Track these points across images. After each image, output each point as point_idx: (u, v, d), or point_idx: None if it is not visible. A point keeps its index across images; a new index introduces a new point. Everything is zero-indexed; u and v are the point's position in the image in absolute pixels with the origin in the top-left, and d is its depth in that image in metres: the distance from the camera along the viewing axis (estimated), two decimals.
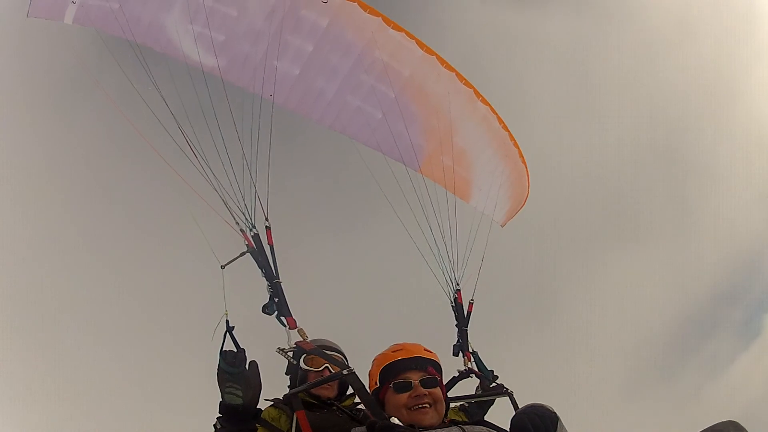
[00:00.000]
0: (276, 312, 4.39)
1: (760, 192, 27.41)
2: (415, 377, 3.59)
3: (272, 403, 4.52)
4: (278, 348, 4.32)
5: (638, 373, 27.97)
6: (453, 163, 5.93)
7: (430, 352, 3.86)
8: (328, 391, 4.65)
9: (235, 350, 4.04)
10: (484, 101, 5.95)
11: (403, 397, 3.52)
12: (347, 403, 4.69)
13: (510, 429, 3.22)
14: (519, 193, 6.46)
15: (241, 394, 3.89)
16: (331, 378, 4.42)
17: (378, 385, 3.67)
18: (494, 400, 5.06)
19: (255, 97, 4.95)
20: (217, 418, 3.99)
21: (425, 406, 3.49)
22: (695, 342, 30.83)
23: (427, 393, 3.54)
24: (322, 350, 4.41)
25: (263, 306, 4.41)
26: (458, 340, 5.45)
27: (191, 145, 4.67)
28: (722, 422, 2.99)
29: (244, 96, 5.10)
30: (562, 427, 3.30)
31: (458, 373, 5.13)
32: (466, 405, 5.08)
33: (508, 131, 6.11)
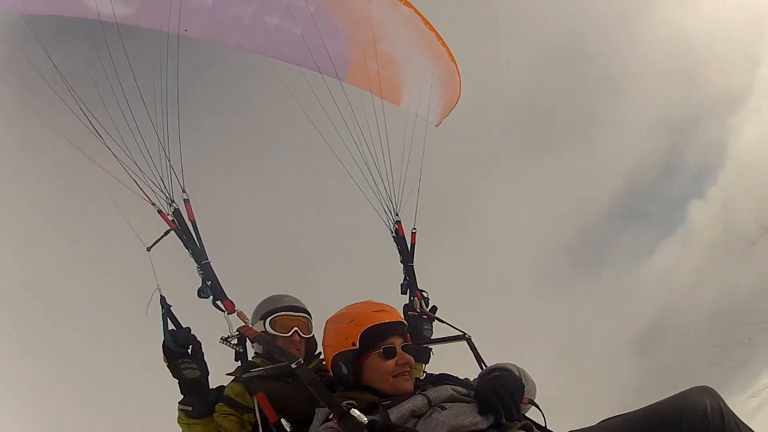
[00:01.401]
0: (211, 296, 4.08)
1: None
2: (397, 342, 3.45)
3: (234, 377, 4.22)
4: (221, 338, 4.12)
5: (557, 268, 29.26)
6: (380, 68, 5.76)
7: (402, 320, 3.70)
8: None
9: (179, 328, 3.92)
10: (407, 4, 5.73)
11: (391, 364, 3.36)
12: (313, 364, 4.38)
13: (476, 400, 3.13)
14: (451, 92, 6.41)
15: (196, 367, 3.84)
16: (278, 369, 3.78)
17: (356, 346, 3.40)
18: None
19: (148, 53, 4.57)
20: (180, 402, 3.93)
21: (407, 374, 3.39)
22: (616, 233, 32.22)
23: (409, 361, 3.42)
24: (268, 338, 4.14)
25: (198, 290, 4.10)
26: (405, 278, 5.22)
27: (90, 119, 4.28)
28: (694, 388, 2.93)
29: (138, 54, 4.57)
30: (528, 380, 3.34)
31: (413, 315, 4.97)
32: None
33: (435, 32, 5.97)
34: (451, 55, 6.10)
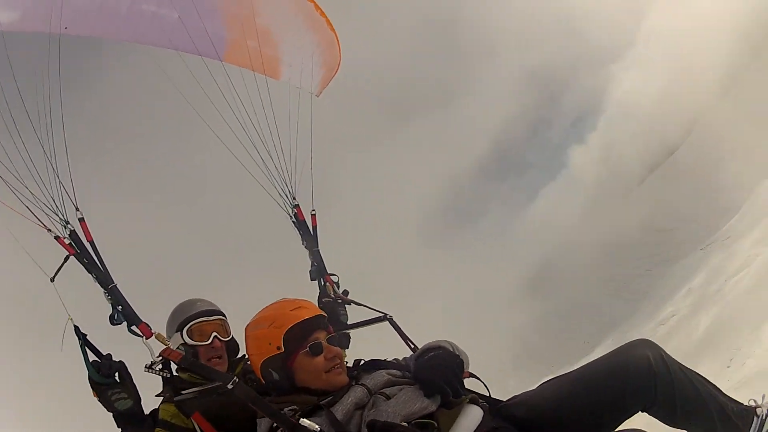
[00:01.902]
0: (125, 322, 3.84)
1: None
2: (322, 337, 3.36)
3: (163, 398, 4.01)
4: (146, 366, 3.86)
5: (436, 225, 29.97)
6: (259, 44, 5.71)
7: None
8: (218, 367, 4.08)
9: (100, 358, 3.69)
10: None
11: (320, 360, 3.27)
12: (239, 369, 4.26)
13: (420, 385, 3.09)
14: (331, 60, 6.40)
15: (127, 396, 3.65)
16: (213, 390, 3.53)
17: (282, 350, 3.28)
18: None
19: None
20: None
21: (339, 366, 3.32)
22: (493, 185, 33.29)
23: (338, 353, 3.35)
24: (195, 360, 3.93)
25: (109, 317, 3.85)
26: (312, 264, 5.07)
27: None
28: (631, 342, 3.01)
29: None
30: (461, 352, 3.30)
31: (326, 302, 4.85)
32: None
33: (313, 2, 5.97)
34: (330, 24, 6.11)
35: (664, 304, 14.70)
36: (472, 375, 3.33)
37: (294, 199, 5.17)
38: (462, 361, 3.18)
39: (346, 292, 4.98)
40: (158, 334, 3.89)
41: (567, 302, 22.23)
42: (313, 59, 6.18)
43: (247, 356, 3.74)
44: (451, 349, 3.24)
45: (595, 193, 26.19)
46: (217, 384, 3.32)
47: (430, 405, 2.93)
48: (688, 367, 2.93)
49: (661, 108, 23.30)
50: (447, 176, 31.62)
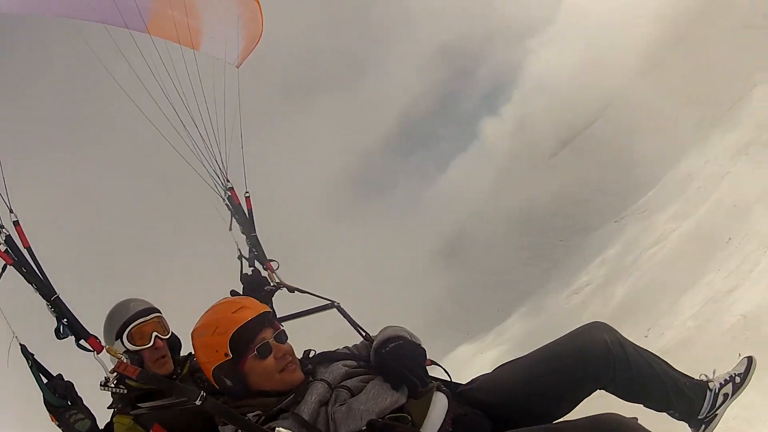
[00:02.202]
0: (72, 335, 3.56)
1: None
2: (269, 336, 3.23)
3: (115, 409, 3.87)
4: (101, 385, 3.65)
5: (345, 198, 29.84)
6: (182, 15, 5.45)
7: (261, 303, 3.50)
8: (162, 369, 3.98)
9: (50, 378, 3.43)
10: None
11: (271, 361, 3.16)
12: (186, 368, 4.11)
13: (386, 377, 3.05)
14: (253, 31, 6.14)
15: (84, 416, 3.44)
16: (179, 405, 3.30)
17: (229, 356, 3.14)
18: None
19: None
20: None
21: (292, 363, 3.22)
22: (402, 157, 33.40)
23: (289, 350, 3.27)
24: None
25: (55, 331, 3.54)
26: (250, 250, 4.84)
27: None
28: (587, 326, 3.15)
29: None
30: (417, 338, 3.33)
31: (269, 291, 4.65)
32: None
33: None
34: None
35: (578, 273, 14.99)
36: (433, 362, 3.34)
37: (227, 180, 4.92)
38: (424, 350, 3.18)
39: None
40: (109, 347, 3.65)
41: (481, 271, 22.52)
42: (233, 32, 5.92)
43: (192, 354, 3.67)
44: (409, 337, 3.24)
45: (508, 165, 26.53)
46: (184, 399, 3.13)
47: (400, 398, 2.92)
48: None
49: (578, 83, 23.63)
50: (356, 150, 31.60)
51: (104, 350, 3.55)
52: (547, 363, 3.06)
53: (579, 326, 3.17)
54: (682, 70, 17.66)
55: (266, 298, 4.57)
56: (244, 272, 4.80)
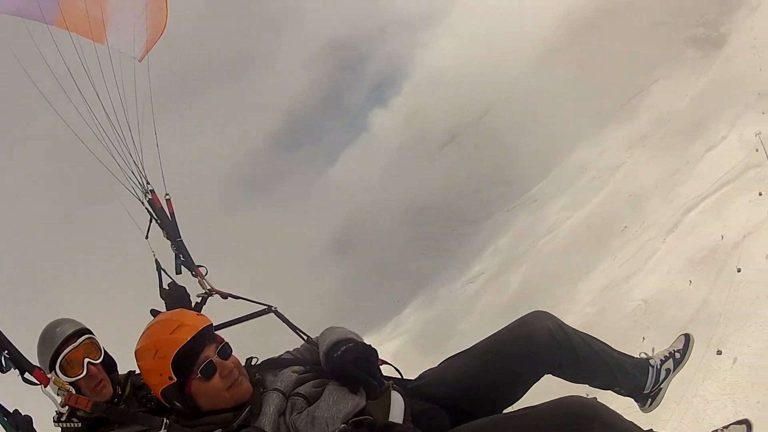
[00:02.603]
0: (16, 369, 3.21)
1: None
2: (211, 353, 2.98)
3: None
4: (54, 420, 3.40)
5: (234, 192, 29.29)
6: (87, 5, 5.03)
7: (199, 314, 3.27)
8: (101, 395, 3.69)
9: (8, 416, 3.09)
10: None
11: (217, 380, 2.93)
12: (129, 389, 3.80)
13: (343, 381, 2.93)
14: (157, 22, 5.71)
15: None
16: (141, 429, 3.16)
17: (174, 379, 2.90)
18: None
19: None
20: None
21: (238, 378, 2.98)
22: (289, 152, 33.01)
23: (233, 364, 3.01)
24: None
25: None
26: (178, 256, 4.45)
27: None
28: (530, 315, 3.11)
29: None
30: (359, 336, 3.23)
31: (201, 299, 4.29)
32: None
33: None
34: None
35: (471, 262, 15.13)
36: (384, 362, 3.21)
37: (148, 183, 4.48)
38: (375, 351, 3.07)
39: None
40: (56, 379, 3.36)
41: (375, 262, 22.49)
42: (138, 23, 5.48)
43: (132, 372, 3.54)
44: (358, 338, 3.15)
45: (399, 156, 26.54)
46: (146, 429, 3.00)
47: (360, 401, 2.86)
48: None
49: (471, 75, 23.74)
50: (245, 146, 30.94)
51: (51, 382, 3.22)
52: (496, 353, 3.05)
53: (520, 317, 3.12)
54: (581, 63, 18.16)
55: (198, 308, 4.21)
56: (162, 287, 4.38)
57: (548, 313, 3.13)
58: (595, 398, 2.68)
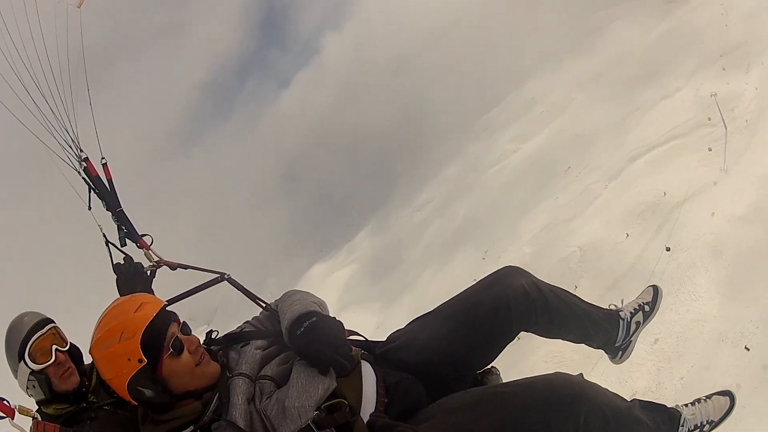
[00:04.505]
0: None
1: None
2: (176, 329, 2.87)
3: None
4: None
5: (184, 127, 28.63)
6: None
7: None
8: (68, 382, 3.65)
9: None
10: None
11: (187, 356, 2.83)
12: (95, 381, 3.74)
13: (310, 362, 2.84)
14: None
15: None
16: None
17: (144, 361, 2.74)
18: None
19: None
20: None
21: (204, 354, 2.90)
22: (240, 80, 32.07)
23: (197, 341, 2.93)
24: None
25: None
26: (120, 228, 4.20)
27: None
28: (502, 271, 3.14)
29: None
30: (324, 306, 3.17)
31: (150, 273, 4.12)
32: None
33: None
34: None
35: (420, 190, 15.03)
36: (351, 332, 3.21)
37: (81, 150, 4.17)
38: (341, 324, 3.00)
39: None
40: (20, 407, 3.31)
41: (327, 190, 22.41)
42: None
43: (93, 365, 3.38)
44: (322, 310, 3.04)
45: (349, 82, 25.87)
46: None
47: (331, 382, 2.77)
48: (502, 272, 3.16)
49: (422, 4, 23.06)
50: (194, 80, 30.23)
51: (16, 414, 3.23)
52: (468, 314, 3.02)
53: (490, 273, 3.18)
54: None
55: (146, 283, 4.11)
56: (115, 263, 4.19)
57: (520, 268, 3.17)
58: (581, 374, 2.80)
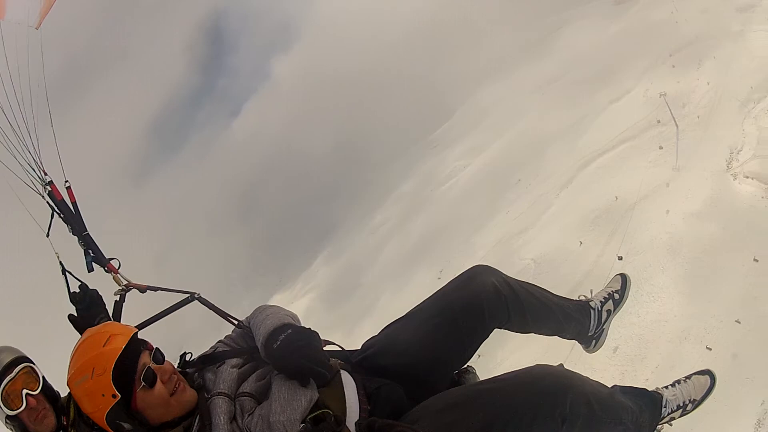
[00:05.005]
0: None
1: None
2: (147, 359, 2.81)
3: None
4: None
5: (137, 158, 28.54)
6: None
7: (124, 324, 3.15)
8: (44, 425, 3.26)
9: None
10: None
11: (161, 387, 2.77)
12: (73, 414, 3.33)
13: (289, 375, 2.79)
14: None
15: None
16: None
17: (118, 396, 2.69)
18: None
19: None
20: None
21: (180, 382, 2.83)
22: (192, 110, 32.03)
23: (171, 368, 2.87)
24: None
25: None
26: (87, 252, 3.98)
27: None
28: (472, 271, 3.09)
29: None
30: (296, 318, 3.15)
31: (119, 297, 3.88)
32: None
33: None
34: None
35: (375, 210, 14.83)
36: (327, 342, 3.16)
37: (45, 173, 3.97)
38: (317, 334, 2.97)
39: None
40: None
41: (282, 215, 22.15)
42: None
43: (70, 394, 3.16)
44: (295, 322, 3.02)
45: (301, 103, 25.71)
46: None
47: (313, 393, 2.76)
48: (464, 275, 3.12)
49: (372, 17, 22.90)
50: (140, 116, 29.90)
51: None
52: (443, 316, 3.00)
53: (461, 273, 3.14)
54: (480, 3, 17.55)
55: (118, 307, 3.83)
56: (72, 291, 3.92)
57: (490, 267, 3.13)
58: (561, 365, 2.84)
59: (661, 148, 7.09)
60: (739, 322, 4.80)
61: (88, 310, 3.89)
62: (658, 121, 7.62)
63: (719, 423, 4.11)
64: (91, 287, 3.93)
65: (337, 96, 23.54)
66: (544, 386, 2.56)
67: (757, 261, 5.19)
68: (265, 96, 29.10)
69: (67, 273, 3.95)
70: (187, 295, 3.59)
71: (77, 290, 3.93)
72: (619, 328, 5.01)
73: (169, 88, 31.99)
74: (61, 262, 3.98)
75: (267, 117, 27.45)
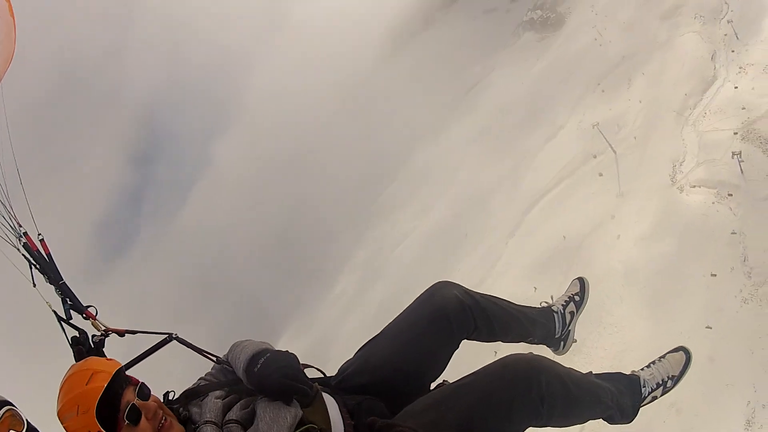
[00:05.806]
0: None
1: None
2: (131, 396, 2.76)
3: None
4: None
5: (98, 257, 28.44)
6: None
7: (108, 358, 3.09)
8: None
9: None
10: None
11: (145, 424, 2.72)
12: None
13: (272, 395, 2.77)
14: (8, 48, 5.14)
15: None
16: None
17: None
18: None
19: None
20: None
21: (165, 419, 2.78)
22: (132, 209, 32.09)
23: (155, 404, 2.80)
24: None
25: None
26: (65, 300, 3.82)
27: None
28: (435, 286, 3.09)
29: None
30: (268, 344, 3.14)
31: (99, 341, 3.71)
32: None
33: None
34: (11, 9, 4.81)
35: (332, 281, 14.67)
36: (306, 365, 3.13)
37: (20, 225, 3.94)
38: (295, 355, 2.96)
39: None
40: None
41: (244, 298, 21.76)
42: None
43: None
44: (271, 346, 3.05)
45: (245, 186, 25.63)
46: None
47: (297, 410, 2.77)
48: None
49: (306, 91, 22.96)
50: (86, 219, 29.82)
51: None
52: (412, 331, 3.02)
53: (424, 290, 3.16)
54: (418, 62, 17.68)
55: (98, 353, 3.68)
56: (72, 336, 3.75)
57: (450, 281, 3.15)
58: (531, 353, 2.83)
59: (601, 175, 6.96)
60: (711, 328, 4.80)
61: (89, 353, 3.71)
62: (594, 156, 7.49)
63: (710, 428, 4.17)
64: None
65: (280, 173, 23.56)
66: (515, 371, 2.61)
67: (715, 276, 5.10)
68: (208, 182, 29.06)
69: (61, 321, 3.82)
70: (165, 335, 3.56)
71: (77, 335, 3.77)
72: (587, 365, 4.77)
73: (111, 186, 31.75)
74: (54, 312, 3.87)
75: (213, 203, 27.31)
